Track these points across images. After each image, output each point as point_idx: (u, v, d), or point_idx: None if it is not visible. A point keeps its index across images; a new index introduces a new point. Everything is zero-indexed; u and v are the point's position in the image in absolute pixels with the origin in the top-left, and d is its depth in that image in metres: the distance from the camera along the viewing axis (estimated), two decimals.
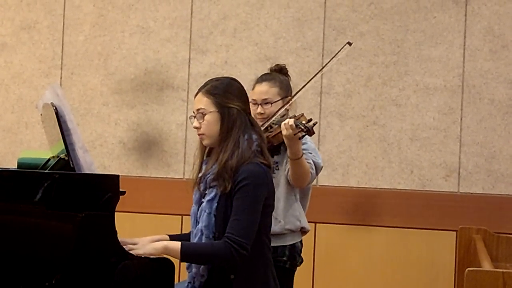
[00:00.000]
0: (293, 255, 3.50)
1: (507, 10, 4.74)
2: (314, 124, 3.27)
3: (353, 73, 4.86)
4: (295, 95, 3.58)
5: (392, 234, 4.75)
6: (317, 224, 4.77)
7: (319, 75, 3.74)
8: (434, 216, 4.71)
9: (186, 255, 2.90)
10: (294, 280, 3.55)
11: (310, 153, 3.47)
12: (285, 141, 3.33)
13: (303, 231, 3.56)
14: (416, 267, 4.71)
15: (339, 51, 3.64)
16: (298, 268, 3.58)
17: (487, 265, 3.32)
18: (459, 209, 4.68)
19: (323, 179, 4.81)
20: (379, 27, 4.84)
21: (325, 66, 3.67)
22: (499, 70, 4.73)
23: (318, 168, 3.49)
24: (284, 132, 3.29)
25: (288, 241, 3.48)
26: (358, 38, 4.85)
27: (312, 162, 3.44)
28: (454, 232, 4.58)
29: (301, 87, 3.62)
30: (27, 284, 2.83)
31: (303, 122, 3.27)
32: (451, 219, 4.66)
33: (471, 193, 4.72)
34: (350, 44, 3.65)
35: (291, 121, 3.26)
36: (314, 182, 4.76)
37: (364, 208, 4.78)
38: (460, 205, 4.69)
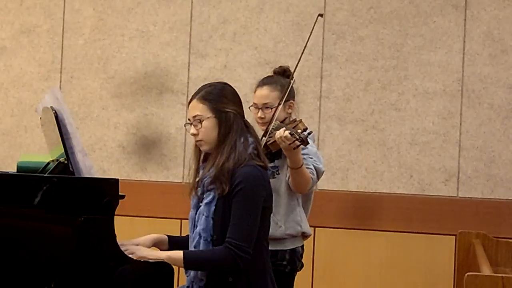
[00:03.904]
0: (293, 259, 3.48)
1: (506, 15, 4.74)
2: (309, 134, 3.23)
3: (352, 77, 4.86)
4: (286, 90, 3.52)
5: (391, 238, 4.75)
6: (317, 228, 4.76)
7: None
8: (433, 220, 4.70)
9: (189, 263, 2.90)
10: (294, 285, 3.55)
11: (311, 158, 3.44)
12: (284, 151, 3.30)
13: (304, 235, 3.54)
14: (415, 271, 4.71)
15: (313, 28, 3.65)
16: (297, 272, 3.57)
17: (486, 270, 3.31)
18: (459, 214, 4.68)
19: (323, 183, 4.81)
20: (379, 31, 4.85)
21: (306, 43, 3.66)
22: (499, 75, 4.74)
23: (319, 173, 3.46)
24: (280, 145, 3.25)
25: (288, 245, 3.47)
26: (357, 43, 4.85)
27: (313, 168, 3.42)
28: (454, 237, 4.58)
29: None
30: (26, 287, 2.83)
31: (299, 131, 3.22)
32: (450, 224, 4.66)
33: (470, 197, 4.72)
34: (321, 15, 3.67)
35: (286, 133, 3.21)
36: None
37: (364, 212, 4.78)
38: (459, 209, 4.69)
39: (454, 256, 4.59)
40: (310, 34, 3.61)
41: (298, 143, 3.20)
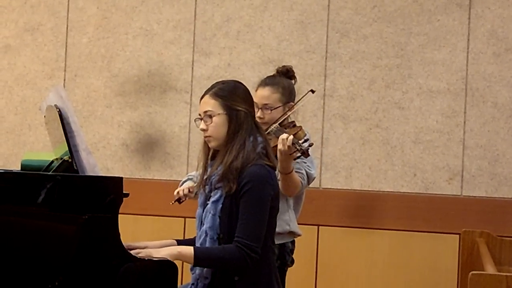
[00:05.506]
0: (283, 254, 3.50)
1: (510, 13, 4.74)
2: (310, 146, 3.20)
3: (356, 76, 4.86)
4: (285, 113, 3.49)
5: (394, 237, 4.74)
6: (320, 227, 4.76)
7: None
8: (437, 219, 4.70)
9: (199, 259, 2.89)
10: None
11: (305, 163, 3.44)
12: (278, 155, 3.24)
13: (293, 234, 3.55)
14: (419, 270, 4.71)
15: (302, 97, 3.57)
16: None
17: (490, 269, 3.31)
18: (462, 212, 4.68)
19: (326, 182, 4.81)
20: (383, 30, 4.84)
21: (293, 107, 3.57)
22: (503, 73, 4.73)
23: (310, 179, 3.46)
24: (279, 147, 3.22)
25: (277, 241, 3.47)
26: (361, 41, 4.85)
27: (304, 173, 3.42)
28: (457, 235, 4.57)
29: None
30: (30, 285, 2.83)
31: (300, 142, 3.19)
32: (454, 222, 4.65)
33: (474, 196, 4.71)
34: (313, 91, 3.57)
35: (290, 139, 3.18)
36: (317, 185, 4.78)
37: (367, 211, 4.78)
38: (463, 208, 4.69)
39: (458, 255, 4.58)
40: (295, 103, 3.57)
41: (299, 154, 3.18)
